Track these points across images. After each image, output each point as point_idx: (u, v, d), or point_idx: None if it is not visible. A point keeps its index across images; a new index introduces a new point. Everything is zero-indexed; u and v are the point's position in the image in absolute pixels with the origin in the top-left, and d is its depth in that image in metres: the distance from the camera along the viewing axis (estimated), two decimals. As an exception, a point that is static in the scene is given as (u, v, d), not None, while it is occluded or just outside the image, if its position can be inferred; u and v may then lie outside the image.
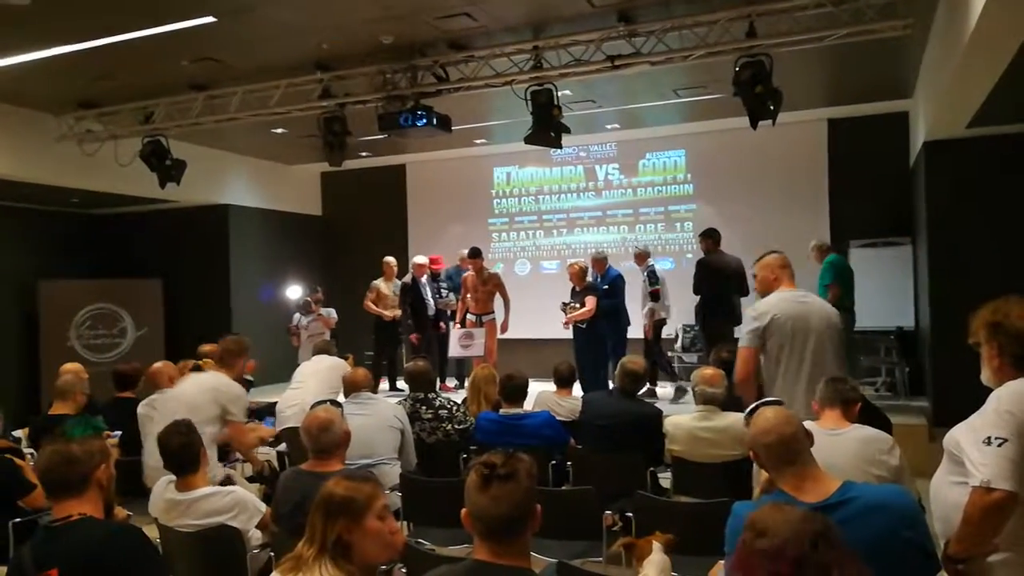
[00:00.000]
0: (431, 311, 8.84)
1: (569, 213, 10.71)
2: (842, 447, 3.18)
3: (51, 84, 7.26)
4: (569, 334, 10.29)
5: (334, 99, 6.94)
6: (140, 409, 5.01)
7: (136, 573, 2.11)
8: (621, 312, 8.19)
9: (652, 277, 8.17)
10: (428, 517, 4.02)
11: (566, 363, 5.69)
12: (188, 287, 10.64)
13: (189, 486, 3.12)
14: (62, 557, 2.08)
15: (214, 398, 4.43)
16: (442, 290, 9.04)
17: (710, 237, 7.89)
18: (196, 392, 4.49)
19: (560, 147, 6.72)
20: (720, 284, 7.52)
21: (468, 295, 8.60)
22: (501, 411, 4.77)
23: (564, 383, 5.60)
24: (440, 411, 4.91)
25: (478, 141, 10.27)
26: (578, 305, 8.10)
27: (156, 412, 4.93)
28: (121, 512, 2.84)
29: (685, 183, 10.14)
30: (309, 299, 8.92)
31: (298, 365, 8.47)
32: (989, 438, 2.25)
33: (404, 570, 2.89)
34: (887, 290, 8.69)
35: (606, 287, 8.18)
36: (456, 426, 4.90)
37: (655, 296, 8.15)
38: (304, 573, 1.95)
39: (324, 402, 3.25)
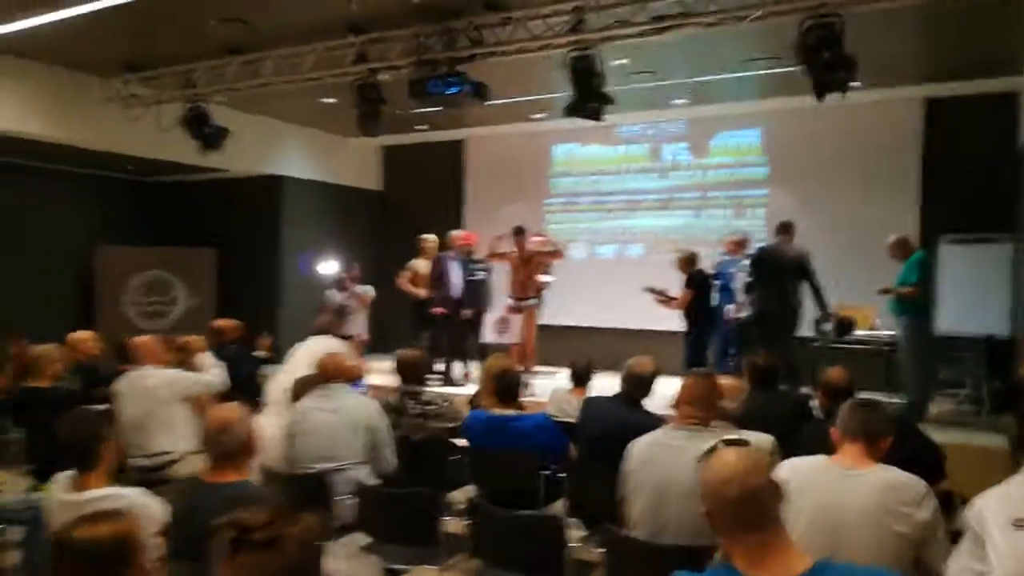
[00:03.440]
0: (455, 291, 8.31)
1: (631, 195, 10.01)
2: (859, 491, 2.54)
3: (94, 45, 7.13)
4: (616, 323, 9.73)
5: (366, 64, 6.52)
6: (116, 385, 4.75)
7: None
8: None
9: None
10: (385, 531, 3.55)
11: (585, 359, 5.14)
12: (241, 258, 10.55)
13: (82, 486, 2.75)
14: None
15: None
16: (477, 271, 8.51)
17: (789, 230, 7.15)
18: None
19: (600, 119, 6.09)
20: (777, 276, 6.79)
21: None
22: (494, 412, 4.26)
23: (580, 381, 5.07)
24: (428, 407, 4.45)
25: (535, 116, 9.68)
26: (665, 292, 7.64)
27: (131, 390, 4.68)
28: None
29: (759, 166, 9.28)
30: (344, 275, 8.58)
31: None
32: None
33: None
34: (980, 293, 7.68)
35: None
36: (445, 424, 4.43)
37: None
38: None
39: (233, 396, 2.81)
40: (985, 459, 5.76)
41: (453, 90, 6.05)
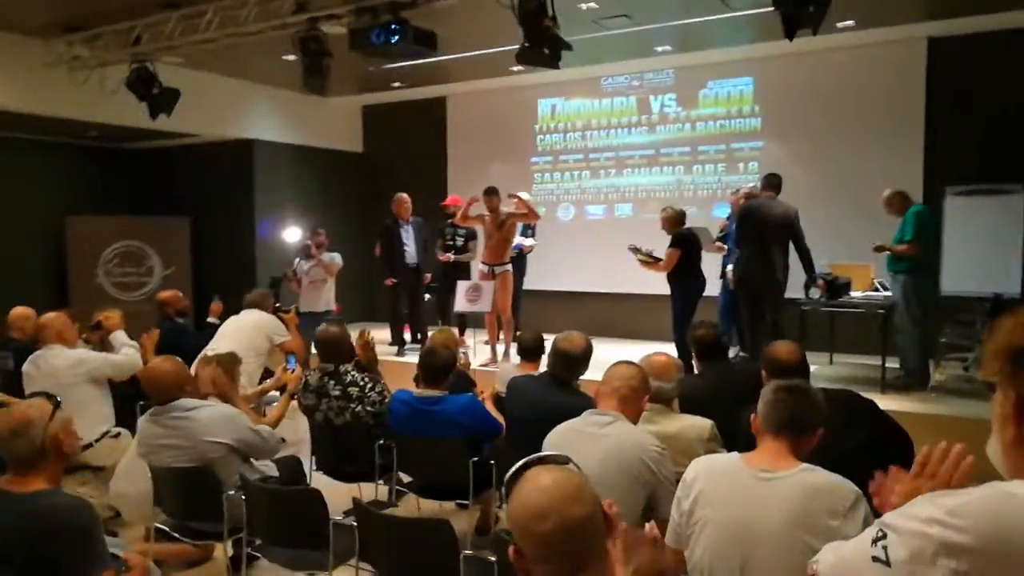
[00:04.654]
0: (410, 259, 7.94)
1: (618, 151, 9.44)
2: (775, 500, 2.11)
3: (29, 4, 6.71)
4: (606, 288, 9.25)
5: (305, 14, 6.03)
6: (24, 366, 4.41)
7: None
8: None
9: None
10: (272, 532, 3.17)
11: (532, 331, 4.71)
12: (216, 226, 10.19)
13: None
14: None
15: None
16: (458, 237, 8.08)
17: (775, 185, 6.59)
18: None
19: (557, 67, 5.56)
20: (762, 236, 6.27)
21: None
22: (416, 392, 3.86)
23: (529, 355, 4.64)
24: (350, 388, 4.05)
25: (516, 69, 9.10)
26: (651, 253, 7.09)
27: (38, 372, 4.34)
28: None
29: (752, 116, 8.68)
30: (309, 242, 8.15)
31: (299, 312, 7.86)
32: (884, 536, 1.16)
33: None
34: (988, 249, 7.11)
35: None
36: (368, 408, 4.03)
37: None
38: None
39: (41, 394, 2.41)
40: (985, 430, 5.25)
41: (395, 39, 5.54)
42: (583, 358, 3.55)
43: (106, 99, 7.35)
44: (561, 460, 1.48)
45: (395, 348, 8.18)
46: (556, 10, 5.30)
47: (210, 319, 6.24)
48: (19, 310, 5.64)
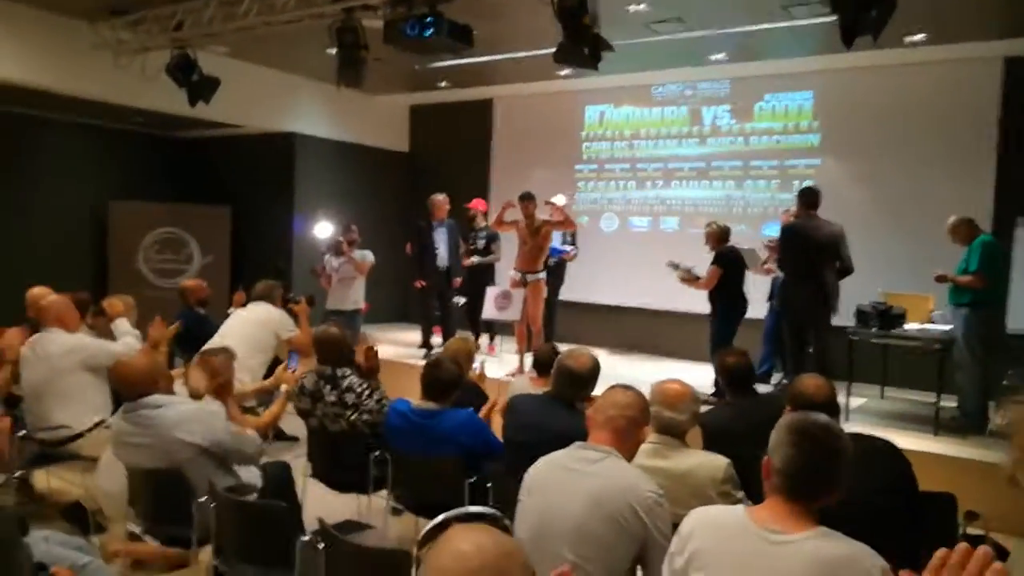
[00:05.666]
0: (441, 262, 7.71)
1: (667, 162, 9.07)
2: (784, 565, 1.77)
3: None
4: (647, 303, 8.85)
5: (341, 3, 5.85)
6: (23, 349, 4.28)
7: None
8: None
9: None
10: (238, 547, 2.93)
11: (550, 344, 4.42)
12: (255, 216, 10.14)
13: None
14: None
15: None
16: (479, 240, 7.84)
17: (811, 201, 6.15)
18: None
19: (596, 68, 5.24)
20: (808, 258, 5.85)
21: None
22: (414, 404, 3.59)
23: (543, 370, 4.33)
24: (345, 395, 3.80)
25: (563, 73, 8.80)
26: (691, 270, 6.76)
27: (34, 355, 4.21)
28: None
29: (810, 132, 8.22)
30: (341, 239, 7.97)
31: (327, 310, 7.72)
32: None
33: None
34: (1061, 284, 6.57)
35: None
36: (364, 416, 3.78)
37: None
38: None
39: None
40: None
41: (429, 32, 5.31)
42: (589, 377, 3.23)
43: (150, 85, 7.30)
44: (493, 517, 1.19)
45: (423, 351, 7.95)
46: (604, 12, 5.04)
47: (231, 309, 6.12)
48: (35, 290, 5.57)
